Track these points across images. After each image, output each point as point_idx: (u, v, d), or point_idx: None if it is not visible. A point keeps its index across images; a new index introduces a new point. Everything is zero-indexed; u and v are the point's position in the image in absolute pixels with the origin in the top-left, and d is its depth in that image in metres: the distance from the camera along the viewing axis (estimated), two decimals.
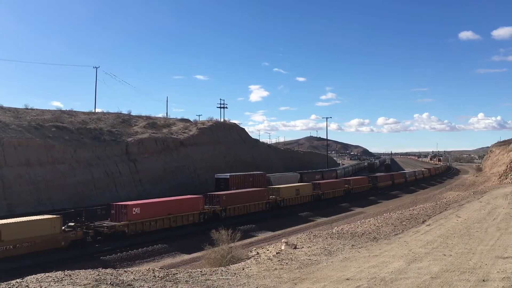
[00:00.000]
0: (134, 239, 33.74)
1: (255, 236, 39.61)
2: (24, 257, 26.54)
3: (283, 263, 15.93)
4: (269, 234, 40.34)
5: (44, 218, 29.26)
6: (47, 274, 12.83)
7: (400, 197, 74.30)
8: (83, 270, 13.68)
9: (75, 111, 65.71)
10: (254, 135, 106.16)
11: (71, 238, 30.12)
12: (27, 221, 28.23)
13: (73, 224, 31.31)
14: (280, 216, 49.05)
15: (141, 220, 34.96)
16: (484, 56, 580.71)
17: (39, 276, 12.54)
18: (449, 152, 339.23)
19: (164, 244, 33.81)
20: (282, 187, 55.55)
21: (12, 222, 27.27)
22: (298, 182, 67.58)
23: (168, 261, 30.36)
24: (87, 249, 31.06)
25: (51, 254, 28.03)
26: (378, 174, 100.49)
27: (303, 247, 19.82)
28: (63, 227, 29.94)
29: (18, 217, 30.98)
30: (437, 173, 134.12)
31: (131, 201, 38.45)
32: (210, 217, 41.92)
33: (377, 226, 27.11)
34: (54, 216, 30.06)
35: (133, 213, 34.54)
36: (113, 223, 33.65)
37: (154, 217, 36.07)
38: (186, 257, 31.59)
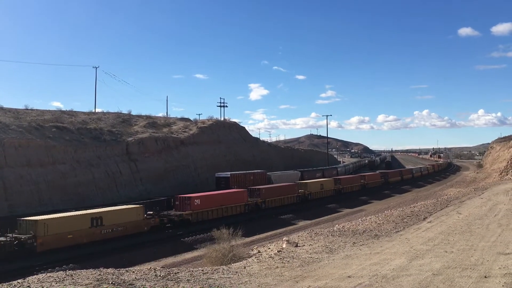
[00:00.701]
0: (196, 226, 39.18)
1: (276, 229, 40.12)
2: (118, 239, 32.74)
3: (284, 261, 15.92)
4: (307, 222, 46.13)
5: (132, 207, 35.86)
6: (48, 274, 12.85)
7: (410, 191, 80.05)
8: (85, 270, 13.69)
9: (75, 111, 65.69)
10: (254, 134, 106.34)
11: (151, 224, 36.46)
12: (120, 209, 34.85)
13: (151, 212, 37.61)
14: (310, 208, 54.59)
15: (201, 210, 40.60)
16: (483, 53, 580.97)
17: (40, 276, 12.56)
18: (449, 149, 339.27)
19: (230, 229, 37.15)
20: (309, 182, 62.03)
21: (110, 210, 33.99)
22: (299, 180, 67.68)
23: (169, 260, 30.38)
24: (164, 233, 36.89)
25: (137, 237, 34.02)
26: (389, 170, 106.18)
27: (304, 245, 19.82)
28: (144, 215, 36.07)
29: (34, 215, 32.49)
30: (440, 169, 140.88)
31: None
32: (252, 208, 47.76)
33: (378, 223, 27.10)
34: (139, 205, 36.63)
35: (195, 203, 39.98)
36: (180, 212, 39.19)
37: (210, 207, 41.76)
38: (187, 256, 31.62)
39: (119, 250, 30.93)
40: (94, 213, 32.40)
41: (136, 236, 34.03)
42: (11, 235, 28.25)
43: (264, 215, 47.71)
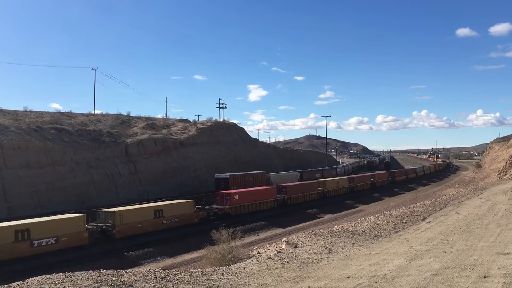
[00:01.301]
0: (235, 218, 43.66)
1: (262, 232, 39.89)
2: (174, 229, 37.36)
3: (284, 262, 15.93)
4: (331, 216, 51.37)
5: (186, 201, 40.51)
6: (47, 276, 12.83)
7: (416, 189, 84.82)
8: (84, 272, 13.68)
9: (74, 113, 65.65)
10: (253, 135, 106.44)
11: (200, 216, 41.14)
12: (177, 203, 39.68)
13: (200, 206, 42.31)
14: (329, 203, 60.19)
15: (239, 204, 45.49)
16: (481, 53, 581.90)
17: (40, 278, 12.54)
18: (448, 149, 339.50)
19: (264, 221, 45.00)
20: (327, 180, 67.71)
21: (169, 203, 38.95)
22: (298, 181, 67.98)
23: (169, 261, 30.38)
24: (210, 225, 39.22)
25: (189, 227, 38.61)
26: (395, 170, 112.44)
27: (303, 245, 19.83)
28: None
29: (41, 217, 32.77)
30: (439, 169, 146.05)
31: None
32: (280, 203, 52.69)
33: (378, 224, 27.13)
34: (191, 200, 41.27)
35: (234, 199, 44.76)
36: (222, 206, 44.18)
37: (246, 202, 46.61)
38: (187, 257, 31.61)
39: (177, 238, 36.00)
40: (156, 205, 37.82)
41: (188, 226, 38.89)
42: (94, 223, 33.07)
43: (291, 210, 52.93)
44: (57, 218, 30.72)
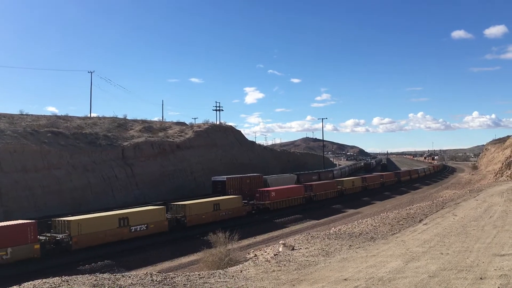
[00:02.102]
0: (273, 213, 52.16)
1: (255, 237, 39.86)
2: (229, 220, 44.39)
3: (281, 265, 15.92)
4: (354, 210, 58.84)
5: (236, 197, 48.53)
6: (44, 280, 12.79)
7: (421, 188, 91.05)
8: (81, 276, 13.65)
9: (70, 116, 65.56)
10: (250, 137, 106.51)
11: (246, 210, 49.21)
12: (229, 198, 47.57)
13: (245, 201, 50.07)
14: (348, 200, 67.82)
15: (276, 200, 53.42)
16: (477, 55, 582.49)
17: (36, 282, 12.50)
18: (444, 151, 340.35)
19: (298, 215, 53.44)
20: (345, 180, 76.67)
21: (224, 198, 47.02)
22: (295, 183, 68.11)
23: (166, 264, 30.33)
24: (254, 217, 49.46)
25: (239, 219, 46.27)
26: (400, 170, 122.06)
27: (300, 248, 19.83)
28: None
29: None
30: (439, 170, 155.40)
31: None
32: (307, 200, 60.73)
33: (374, 226, 27.15)
34: (239, 196, 49.38)
35: (272, 195, 52.87)
36: (263, 202, 52.14)
37: (281, 198, 54.54)
38: (184, 260, 31.58)
39: (234, 227, 38.27)
40: (214, 200, 45.54)
41: (239, 218, 46.60)
42: (169, 214, 39.88)
43: (318, 205, 61.11)
44: (146, 209, 38.31)
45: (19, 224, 28.47)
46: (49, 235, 30.71)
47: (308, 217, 52.97)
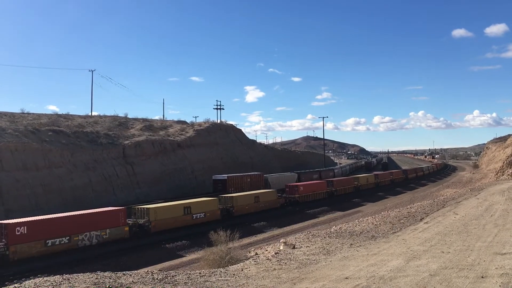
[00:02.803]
0: (302, 205, 57.77)
1: (263, 232, 40.00)
2: (267, 210, 51.07)
3: (282, 263, 15.92)
4: (372, 203, 64.54)
5: (272, 190, 55.05)
6: (45, 278, 12.81)
7: (427, 185, 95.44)
8: (82, 274, 13.66)
9: (71, 115, 65.56)
10: (251, 136, 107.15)
11: (280, 202, 55.21)
12: (267, 191, 53.84)
13: (279, 195, 56.50)
14: (365, 195, 73.56)
15: (304, 194, 59.68)
16: (477, 54, 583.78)
17: (37, 280, 12.52)
18: (445, 150, 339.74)
19: (325, 206, 59.47)
20: (360, 177, 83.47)
21: (262, 192, 53.07)
22: (296, 182, 68.09)
23: (166, 263, 30.34)
24: (286, 209, 54.84)
25: (275, 210, 52.68)
26: (407, 168, 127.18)
27: (301, 246, 19.83)
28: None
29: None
30: (440, 168, 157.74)
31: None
32: (329, 194, 66.70)
33: (375, 224, 27.13)
34: (275, 190, 56.16)
35: (300, 189, 59.09)
36: (293, 195, 58.17)
37: (308, 192, 60.75)
38: (184, 258, 31.60)
39: (272, 216, 49.25)
40: (255, 193, 51.48)
41: (275, 209, 52.60)
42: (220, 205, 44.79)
43: (339, 199, 66.35)
44: (203, 199, 44.06)
45: (114, 209, 34.94)
46: (133, 220, 36.28)
47: (333, 208, 58.97)
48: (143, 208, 37.20)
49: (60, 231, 30.18)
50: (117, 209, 35.22)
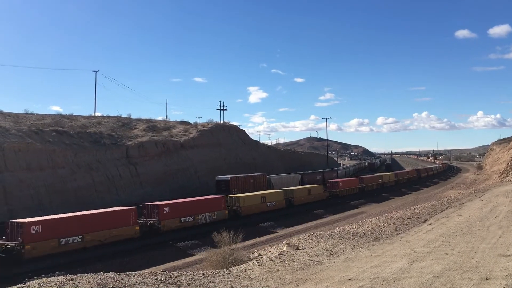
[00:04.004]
0: (342, 198, 67.64)
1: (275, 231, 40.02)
2: (318, 201, 61.71)
3: (285, 264, 15.91)
4: (397, 198, 73.28)
5: (319, 185, 66.38)
6: (49, 278, 12.82)
7: (431, 186, 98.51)
8: (85, 274, 13.68)
9: (75, 115, 65.71)
10: (254, 137, 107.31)
11: (326, 195, 65.18)
12: (316, 186, 65.03)
13: (325, 188, 66.70)
14: (389, 191, 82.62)
15: (342, 189, 69.41)
16: (481, 54, 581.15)
17: (41, 281, 12.53)
18: (449, 151, 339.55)
19: (361, 199, 68.47)
20: (384, 174, 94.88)
21: (313, 186, 63.88)
22: (299, 183, 68.22)
23: (170, 264, 30.36)
24: (330, 201, 64.24)
25: (322, 201, 62.66)
26: (420, 167, 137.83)
27: (305, 248, 19.81)
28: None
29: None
30: (444, 169, 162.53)
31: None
32: (360, 189, 75.92)
33: (379, 225, 27.10)
34: (321, 185, 67.75)
35: (340, 185, 69.20)
36: (334, 190, 68.01)
37: (345, 188, 70.75)
38: (188, 259, 31.61)
39: (320, 207, 59.05)
40: (308, 187, 61.73)
41: (322, 201, 62.34)
42: (229, 207, 46.22)
43: (371, 193, 75.69)
44: (274, 191, 54.69)
45: (216, 197, 45.20)
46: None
47: (369, 201, 67.44)
48: (236, 196, 47.55)
49: (74, 230, 30.94)
50: (217, 197, 45.21)
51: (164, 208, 37.41)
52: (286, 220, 48.36)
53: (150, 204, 38.65)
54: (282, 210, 52.68)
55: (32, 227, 28.67)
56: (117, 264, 28.98)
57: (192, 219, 40.00)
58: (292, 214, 52.00)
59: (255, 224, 45.33)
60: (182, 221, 39.02)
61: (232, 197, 47.59)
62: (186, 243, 35.91)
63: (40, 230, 28.94)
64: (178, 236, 37.50)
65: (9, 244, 28.12)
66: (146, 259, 31.43)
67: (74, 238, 30.93)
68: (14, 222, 29.48)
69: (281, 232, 42.61)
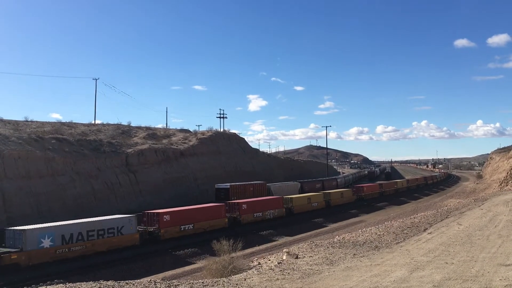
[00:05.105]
0: (367, 201, 76.75)
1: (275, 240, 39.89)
2: (348, 203, 70.54)
3: (284, 273, 15.87)
4: (401, 206, 76.16)
5: (348, 189, 75.82)
6: (48, 287, 12.79)
7: (431, 195, 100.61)
8: (85, 283, 13.64)
9: (74, 123, 65.79)
10: (253, 145, 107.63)
11: (354, 198, 73.97)
12: (346, 190, 75.45)
13: (354, 192, 76.64)
14: (405, 195, 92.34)
15: (367, 193, 79.66)
16: (480, 63, 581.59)
17: None
18: (449, 160, 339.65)
19: (384, 202, 77.76)
20: (398, 181, 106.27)
21: (345, 190, 75.20)
22: (298, 191, 68.14)
23: (169, 272, 30.26)
24: (357, 203, 73.32)
25: (351, 203, 71.62)
26: (427, 175, 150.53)
27: (304, 256, 19.77)
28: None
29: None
30: (444, 178, 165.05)
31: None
32: (380, 194, 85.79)
33: (379, 234, 27.05)
34: (350, 189, 77.15)
35: (365, 189, 79.80)
36: (360, 194, 77.09)
37: (369, 192, 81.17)
38: (187, 268, 31.51)
39: (352, 208, 68.17)
40: (342, 191, 72.81)
41: (350, 203, 71.30)
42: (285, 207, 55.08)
43: (388, 197, 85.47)
44: (315, 194, 64.83)
45: (275, 198, 54.59)
46: (324, 199, 64.30)
47: (390, 204, 76.78)
48: (289, 197, 56.69)
49: (188, 220, 39.88)
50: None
51: (164, 216, 37.71)
52: (329, 217, 57.66)
53: (150, 212, 38.93)
54: (323, 209, 62.16)
55: (164, 216, 37.40)
56: (118, 272, 28.88)
57: (192, 227, 40.09)
58: (330, 213, 60.67)
59: (254, 231, 44.88)
60: (182, 229, 39.18)
61: (287, 198, 56.61)
62: (186, 251, 35.80)
63: (169, 219, 37.74)
64: (177, 243, 37.43)
65: (151, 229, 36.79)
66: (145, 268, 31.34)
67: (188, 225, 39.76)
68: (151, 212, 38.42)
69: (381, 211, 58.94)
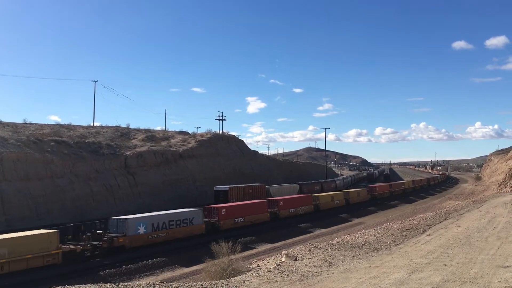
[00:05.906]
0: (380, 199, 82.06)
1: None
2: (364, 202, 76.18)
3: (283, 275, 15.86)
4: (422, 200, 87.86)
5: (363, 189, 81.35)
6: None
7: (429, 197, 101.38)
8: (83, 285, 13.62)
9: (73, 125, 65.74)
10: (252, 147, 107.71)
11: (368, 197, 79.59)
12: (361, 189, 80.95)
13: (368, 190, 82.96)
14: (413, 195, 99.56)
15: (379, 192, 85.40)
16: (478, 66, 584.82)
17: None
18: (447, 161, 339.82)
19: (396, 201, 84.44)
20: (405, 181, 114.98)
21: (361, 189, 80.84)
22: (298, 193, 68.05)
23: (168, 274, 30.20)
24: (371, 202, 78.81)
25: (365, 202, 77.04)
26: (429, 176, 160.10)
27: (303, 258, 19.76)
28: None
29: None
30: (443, 180, 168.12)
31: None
32: (390, 193, 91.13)
33: (378, 236, 27.04)
34: (365, 189, 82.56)
35: (377, 189, 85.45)
36: (373, 193, 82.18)
37: (381, 191, 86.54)
38: (186, 270, 31.44)
39: (369, 205, 73.77)
40: (358, 190, 78.91)
41: (366, 201, 76.51)
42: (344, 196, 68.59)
43: (397, 197, 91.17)
44: (336, 192, 70.86)
45: (305, 196, 61.07)
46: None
47: (402, 202, 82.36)
48: (316, 196, 62.93)
49: (240, 213, 45.26)
50: (306, 196, 61.02)
51: (223, 210, 43.34)
52: (351, 212, 63.29)
53: (211, 207, 44.97)
54: (343, 206, 67.50)
55: (222, 210, 43.07)
56: (118, 272, 28.84)
57: (243, 220, 45.61)
58: (351, 210, 66.39)
59: (293, 224, 51.18)
60: (236, 221, 44.77)
61: (314, 196, 62.65)
62: (241, 240, 37.03)
63: (226, 212, 43.27)
64: (232, 234, 40.58)
65: (213, 221, 42.03)
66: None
67: (240, 218, 45.11)
68: (211, 207, 43.94)
69: (392, 209, 63.86)
